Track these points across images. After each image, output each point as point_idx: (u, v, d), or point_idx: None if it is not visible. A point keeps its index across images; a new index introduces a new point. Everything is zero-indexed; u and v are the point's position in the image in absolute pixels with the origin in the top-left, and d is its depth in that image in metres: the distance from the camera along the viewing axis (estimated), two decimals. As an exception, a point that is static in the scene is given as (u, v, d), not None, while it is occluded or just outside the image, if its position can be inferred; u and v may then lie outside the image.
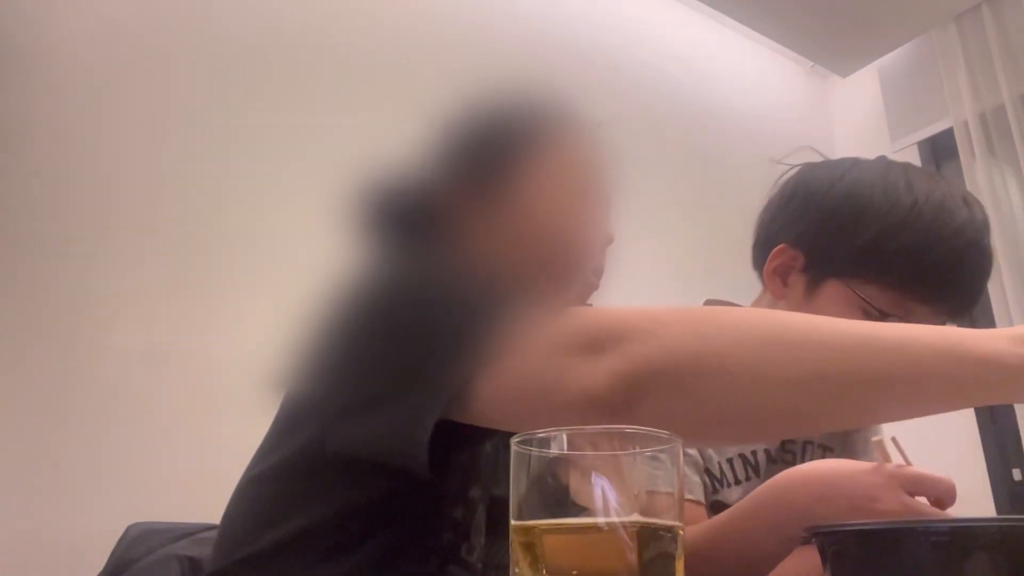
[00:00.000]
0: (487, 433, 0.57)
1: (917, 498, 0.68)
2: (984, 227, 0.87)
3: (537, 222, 0.74)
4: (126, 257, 1.56)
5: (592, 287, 0.77)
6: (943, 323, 0.88)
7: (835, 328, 0.51)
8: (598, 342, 0.50)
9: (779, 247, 0.94)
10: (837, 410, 0.52)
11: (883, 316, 0.84)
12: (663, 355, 0.49)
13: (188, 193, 1.65)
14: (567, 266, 0.75)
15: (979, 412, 2.55)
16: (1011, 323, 2.45)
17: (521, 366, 0.52)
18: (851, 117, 3.09)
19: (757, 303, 1.03)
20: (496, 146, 0.76)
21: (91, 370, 1.46)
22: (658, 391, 0.48)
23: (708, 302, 1.06)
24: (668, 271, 2.17)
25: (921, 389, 0.51)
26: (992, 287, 2.51)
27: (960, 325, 0.78)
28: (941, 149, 2.86)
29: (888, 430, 0.76)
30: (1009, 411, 2.44)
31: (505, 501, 0.38)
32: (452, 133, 0.77)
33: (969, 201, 0.88)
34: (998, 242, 2.52)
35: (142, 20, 1.69)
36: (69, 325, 1.47)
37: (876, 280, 0.86)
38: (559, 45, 2.33)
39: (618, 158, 0.81)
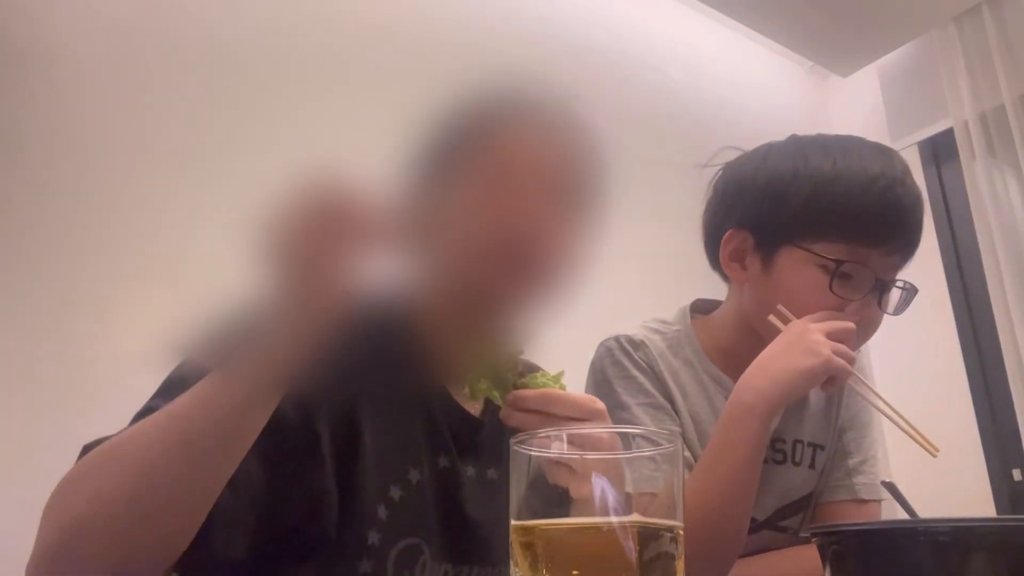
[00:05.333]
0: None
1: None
2: (904, 170, 0.93)
3: (490, 222, 0.71)
4: (126, 256, 1.55)
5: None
6: (897, 265, 0.94)
7: None
8: None
9: (727, 233, 0.99)
10: None
11: (839, 267, 0.89)
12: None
13: (188, 192, 1.65)
14: (528, 266, 0.71)
15: (979, 412, 2.54)
16: (1011, 323, 2.44)
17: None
18: (851, 117, 3.08)
19: (727, 300, 1.06)
20: (449, 146, 0.74)
21: (91, 370, 1.46)
22: None
23: (696, 302, 1.09)
24: (666, 270, 2.16)
25: None
26: (992, 287, 2.51)
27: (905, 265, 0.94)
28: (941, 149, 2.86)
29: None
30: (1009, 411, 2.43)
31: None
32: (423, 137, 0.74)
33: (884, 150, 0.96)
34: (998, 242, 2.52)
35: (141, 22, 1.69)
36: (68, 324, 1.47)
37: (823, 235, 0.91)
38: (557, 46, 2.32)
39: (596, 134, 0.78)
